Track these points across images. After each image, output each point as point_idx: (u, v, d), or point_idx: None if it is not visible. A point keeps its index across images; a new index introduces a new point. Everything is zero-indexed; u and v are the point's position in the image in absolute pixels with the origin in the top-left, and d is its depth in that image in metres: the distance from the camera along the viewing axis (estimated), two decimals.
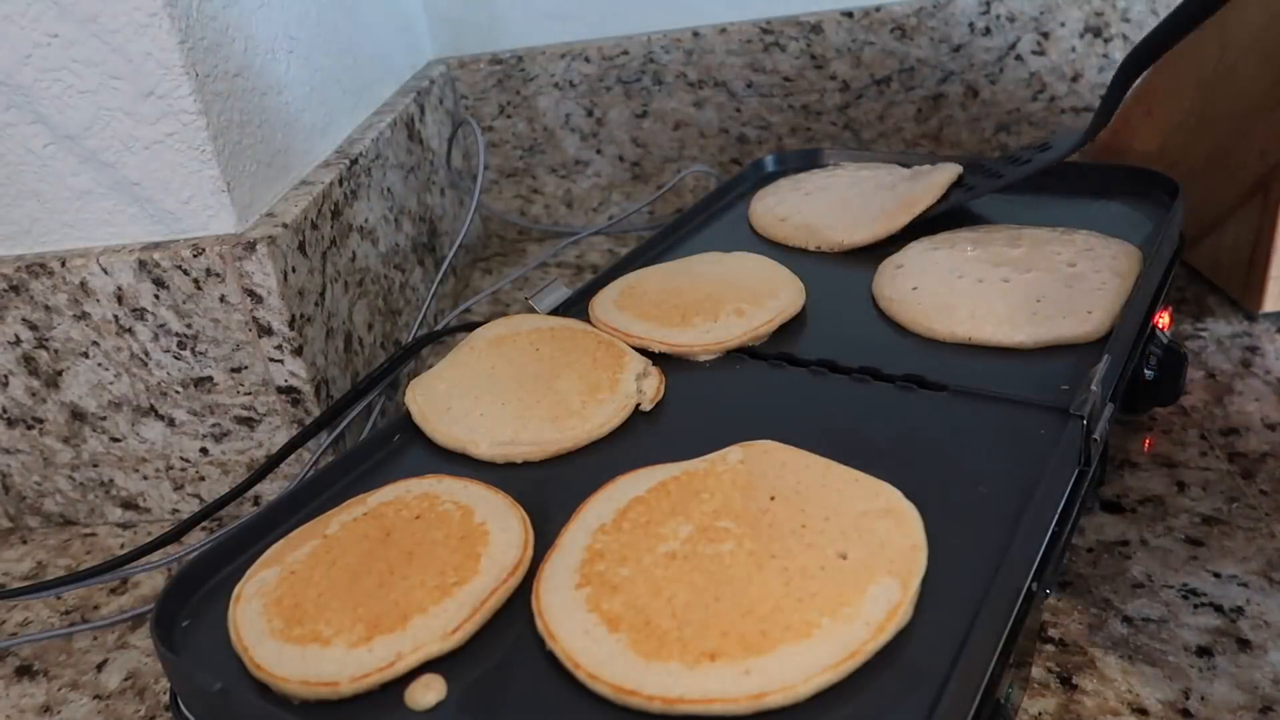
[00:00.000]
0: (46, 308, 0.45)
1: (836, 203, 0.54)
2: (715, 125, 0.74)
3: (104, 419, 0.48)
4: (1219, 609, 0.37)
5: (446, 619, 0.29)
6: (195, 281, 0.44)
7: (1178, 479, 0.43)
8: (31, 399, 0.48)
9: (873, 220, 0.51)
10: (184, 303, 0.45)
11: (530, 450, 0.38)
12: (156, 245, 0.44)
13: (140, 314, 0.45)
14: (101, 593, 0.47)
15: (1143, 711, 0.33)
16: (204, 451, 0.49)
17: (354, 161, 0.55)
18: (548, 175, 0.77)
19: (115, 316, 0.45)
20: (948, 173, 0.53)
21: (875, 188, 0.55)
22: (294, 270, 0.46)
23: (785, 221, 0.54)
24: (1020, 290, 0.42)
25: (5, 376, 0.47)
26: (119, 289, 0.45)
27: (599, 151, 0.76)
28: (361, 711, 0.28)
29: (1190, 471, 0.44)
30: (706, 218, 0.58)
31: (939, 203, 0.51)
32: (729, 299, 0.45)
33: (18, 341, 0.46)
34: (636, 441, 0.38)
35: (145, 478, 0.50)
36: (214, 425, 0.48)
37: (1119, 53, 0.68)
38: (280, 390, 0.47)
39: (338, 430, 0.48)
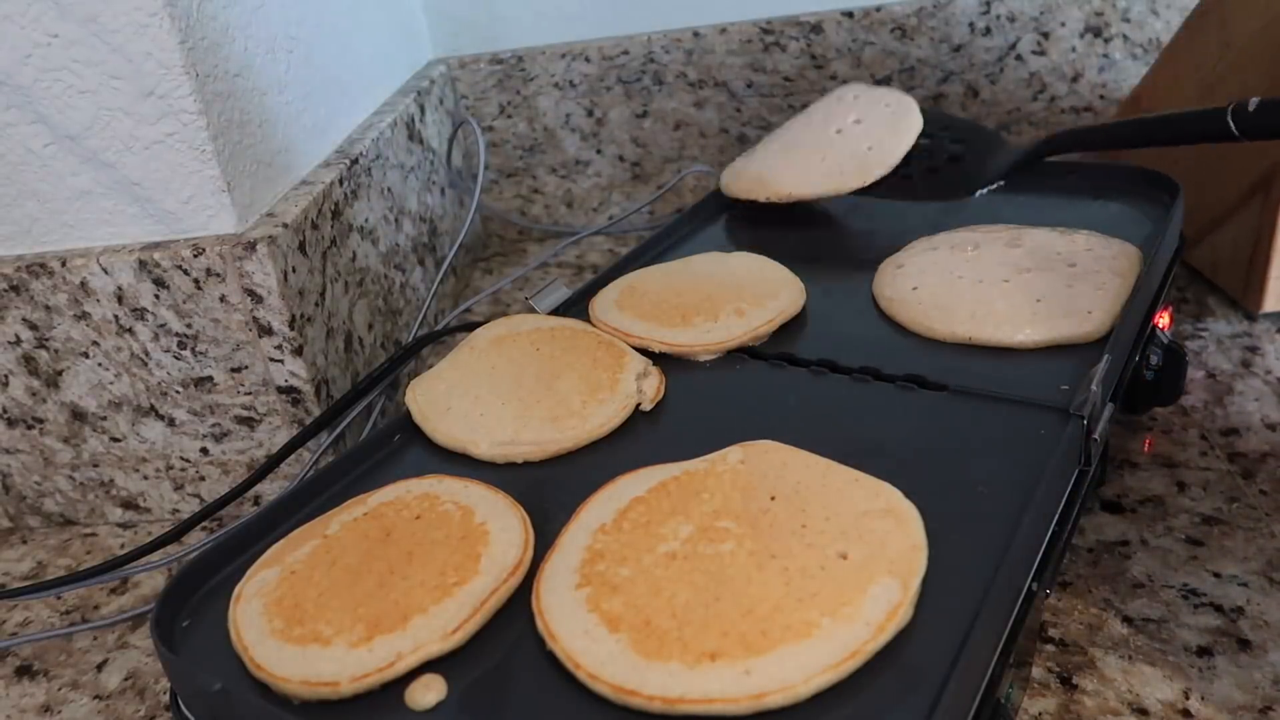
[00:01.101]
0: (46, 308, 0.45)
1: (789, 151, 0.55)
2: (715, 125, 0.74)
3: (104, 419, 0.48)
4: (1219, 609, 0.37)
5: (446, 619, 0.29)
6: (195, 281, 0.44)
7: (1178, 479, 0.43)
8: (31, 399, 0.48)
9: (824, 176, 0.53)
10: (184, 303, 0.45)
11: (530, 450, 0.38)
12: (156, 245, 0.44)
13: (140, 314, 0.45)
14: (101, 593, 0.47)
15: (1143, 711, 0.33)
16: (204, 451, 0.49)
17: (354, 161, 0.55)
18: (548, 175, 0.77)
19: (115, 316, 0.45)
20: (905, 140, 0.53)
21: (827, 129, 0.56)
22: (294, 270, 0.46)
23: (743, 174, 0.55)
24: (1020, 290, 0.42)
25: (5, 376, 0.47)
26: (119, 289, 0.45)
27: (599, 151, 0.76)
28: (361, 711, 0.28)
29: (1190, 471, 0.44)
30: (707, 217, 0.57)
31: (896, 170, 0.53)
32: (729, 299, 0.45)
33: (18, 341, 0.46)
34: (636, 441, 0.38)
35: (145, 478, 0.50)
36: (214, 425, 0.48)
37: (1119, 53, 0.68)
38: (280, 390, 0.47)
39: (338, 430, 0.48)
